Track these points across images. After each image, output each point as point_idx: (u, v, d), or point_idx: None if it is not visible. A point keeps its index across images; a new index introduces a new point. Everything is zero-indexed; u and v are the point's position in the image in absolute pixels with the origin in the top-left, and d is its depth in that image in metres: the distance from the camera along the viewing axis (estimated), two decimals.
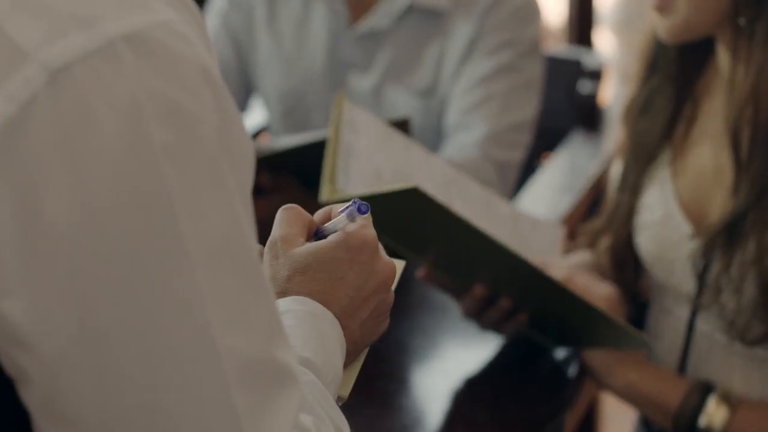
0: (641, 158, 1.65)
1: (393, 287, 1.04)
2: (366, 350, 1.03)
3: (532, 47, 2.07)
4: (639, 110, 1.66)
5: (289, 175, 1.84)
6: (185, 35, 0.75)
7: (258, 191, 1.80)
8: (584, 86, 2.54)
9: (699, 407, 1.53)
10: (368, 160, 1.57)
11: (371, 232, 1.01)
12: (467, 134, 2.02)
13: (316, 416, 0.86)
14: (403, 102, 2.08)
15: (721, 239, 1.50)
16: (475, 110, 2.03)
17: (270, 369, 0.78)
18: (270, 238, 1.01)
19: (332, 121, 1.58)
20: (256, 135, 2.43)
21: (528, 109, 2.07)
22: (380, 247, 1.02)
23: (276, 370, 0.79)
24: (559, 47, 3.04)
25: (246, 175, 0.78)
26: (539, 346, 1.64)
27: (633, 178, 1.66)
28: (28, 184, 0.70)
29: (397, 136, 1.65)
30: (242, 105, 2.23)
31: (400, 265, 1.09)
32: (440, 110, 2.09)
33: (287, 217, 1.02)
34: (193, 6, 0.78)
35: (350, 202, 1.02)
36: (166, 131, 0.72)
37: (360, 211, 1.01)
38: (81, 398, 0.73)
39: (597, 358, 1.58)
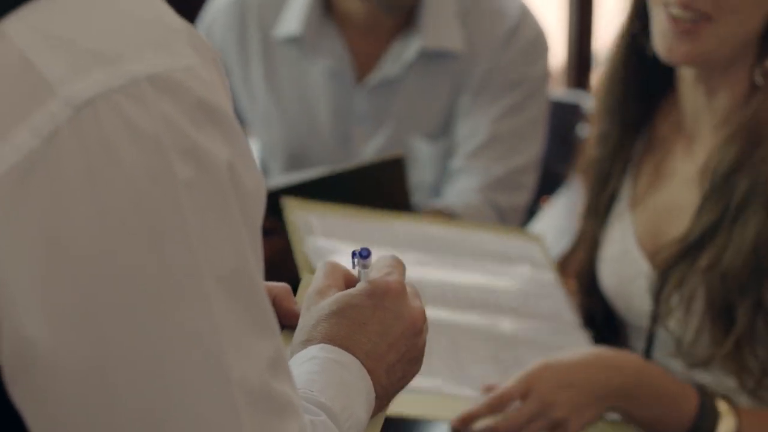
0: (599, 184, 1.69)
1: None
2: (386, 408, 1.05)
3: (539, 85, 2.08)
4: (596, 143, 1.70)
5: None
6: (205, 79, 0.78)
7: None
8: (583, 130, 2.54)
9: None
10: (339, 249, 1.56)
11: (396, 278, 1.04)
12: (470, 179, 2.02)
13: None
14: (418, 147, 2.07)
15: (678, 259, 1.54)
16: (479, 154, 2.03)
17: (271, 397, 0.80)
18: (307, 291, 1.05)
19: (289, 233, 1.56)
20: None
21: (533, 149, 2.08)
22: (409, 292, 1.05)
23: (276, 398, 0.81)
24: (557, 91, 3.04)
25: (256, 214, 0.81)
26: None
27: (594, 206, 1.70)
28: (51, 214, 0.73)
29: (358, 222, 1.64)
30: None
31: None
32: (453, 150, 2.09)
33: (325, 270, 1.06)
34: (214, 51, 0.81)
35: (351, 259, 1.05)
36: (187, 167, 0.75)
37: (362, 256, 1.04)
38: (91, 422, 0.75)
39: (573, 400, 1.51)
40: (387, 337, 1.01)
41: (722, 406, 1.51)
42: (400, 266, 1.06)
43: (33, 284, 0.73)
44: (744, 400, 1.55)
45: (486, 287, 1.58)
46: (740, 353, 1.51)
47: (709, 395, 1.52)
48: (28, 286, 0.73)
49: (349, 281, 1.07)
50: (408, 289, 1.05)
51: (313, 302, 1.03)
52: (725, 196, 1.52)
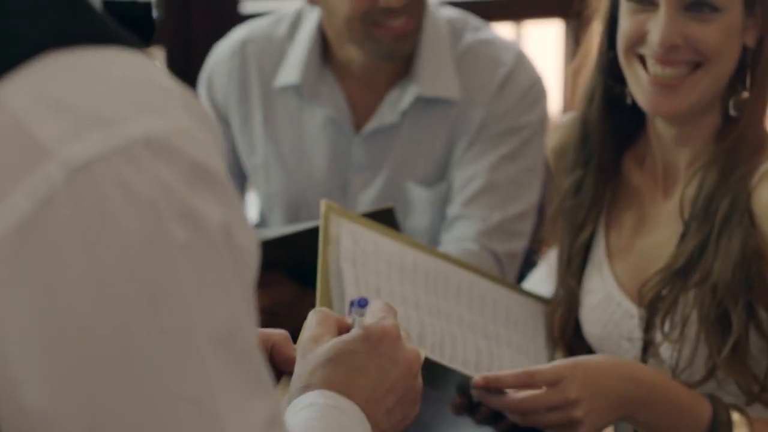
0: (571, 235, 1.70)
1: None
2: None
3: (535, 132, 2.08)
4: (569, 192, 1.71)
5: (281, 271, 1.84)
6: (199, 141, 0.78)
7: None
8: None
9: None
10: (363, 282, 1.56)
11: (391, 322, 1.05)
12: (467, 227, 2.02)
13: None
14: (414, 194, 2.08)
15: (666, 285, 1.56)
16: (476, 201, 2.03)
17: None
18: (300, 340, 1.06)
19: (321, 236, 1.56)
20: None
21: (530, 195, 2.08)
22: (403, 336, 1.06)
23: None
24: None
25: (249, 273, 0.81)
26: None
27: (568, 257, 1.71)
28: (48, 278, 0.73)
29: (387, 241, 1.64)
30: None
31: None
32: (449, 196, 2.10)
33: (317, 318, 1.08)
34: (208, 114, 0.82)
35: (348, 307, 1.06)
36: (183, 230, 0.75)
37: (360, 305, 1.05)
38: None
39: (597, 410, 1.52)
40: (384, 381, 1.03)
41: (736, 416, 1.52)
42: (392, 310, 1.08)
43: (30, 349, 0.73)
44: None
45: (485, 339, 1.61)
46: (740, 358, 1.53)
47: (723, 406, 1.53)
48: (25, 351, 0.73)
49: (342, 328, 1.08)
50: (402, 332, 1.06)
51: (308, 349, 1.04)
52: (708, 219, 1.55)
